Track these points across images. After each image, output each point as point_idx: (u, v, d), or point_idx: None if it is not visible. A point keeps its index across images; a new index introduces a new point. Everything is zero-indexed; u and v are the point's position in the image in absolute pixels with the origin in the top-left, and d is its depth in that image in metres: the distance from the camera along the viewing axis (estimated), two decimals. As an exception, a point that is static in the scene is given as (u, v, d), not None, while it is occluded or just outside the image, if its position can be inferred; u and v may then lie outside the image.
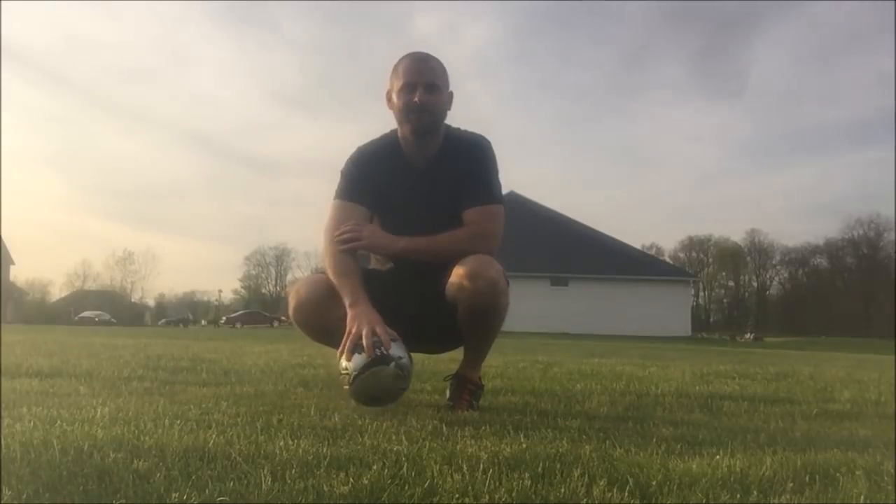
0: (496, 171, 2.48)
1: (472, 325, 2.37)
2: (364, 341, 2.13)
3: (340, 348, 2.19)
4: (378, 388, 2.14)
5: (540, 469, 1.45)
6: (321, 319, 2.39)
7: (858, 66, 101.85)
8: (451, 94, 2.48)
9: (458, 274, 2.29)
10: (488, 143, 2.49)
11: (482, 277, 2.26)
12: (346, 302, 2.25)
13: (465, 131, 2.51)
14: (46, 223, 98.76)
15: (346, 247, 2.33)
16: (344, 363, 2.17)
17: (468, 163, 2.43)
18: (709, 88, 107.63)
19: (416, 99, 2.36)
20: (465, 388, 2.47)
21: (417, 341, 2.63)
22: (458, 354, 2.55)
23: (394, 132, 2.49)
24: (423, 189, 2.43)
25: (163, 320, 61.64)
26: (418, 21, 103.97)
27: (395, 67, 2.44)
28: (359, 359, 2.14)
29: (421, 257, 2.37)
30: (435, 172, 2.44)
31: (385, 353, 2.13)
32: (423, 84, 2.37)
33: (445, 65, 2.46)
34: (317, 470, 1.39)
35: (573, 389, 3.36)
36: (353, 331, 2.17)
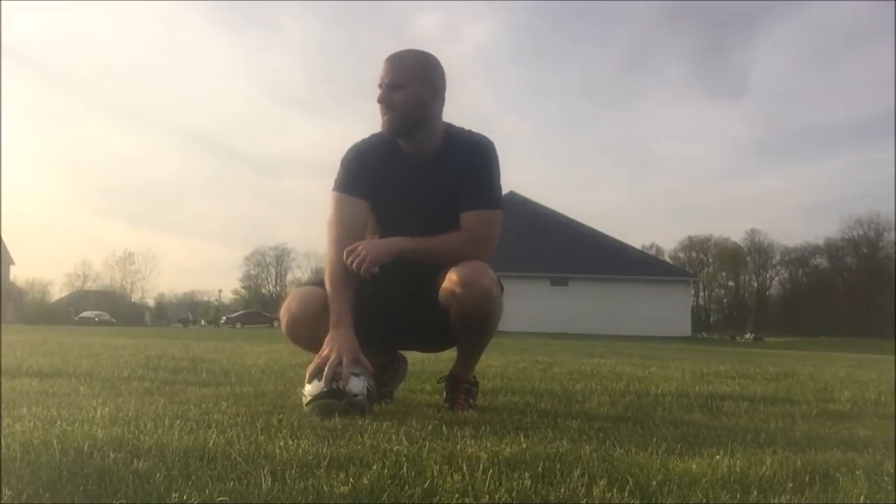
0: (498, 175, 2.45)
1: (464, 331, 2.36)
2: (325, 370, 2.12)
3: (309, 366, 2.20)
4: (330, 416, 2.09)
5: (540, 469, 1.45)
6: (314, 335, 2.34)
7: (858, 66, 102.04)
8: (434, 89, 2.38)
9: (451, 280, 2.27)
10: (492, 144, 2.45)
11: (475, 285, 2.25)
12: (331, 320, 2.24)
13: (469, 131, 2.47)
14: (46, 223, 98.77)
15: (363, 273, 2.22)
16: (306, 384, 2.18)
17: (469, 163, 2.40)
18: (709, 88, 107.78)
19: (377, 99, 2.34)
20: (460, 387, 2.48)
21: (410, 341, 2.63)
22: (455, 354, 2.54)
23: None
24: (421, 186, 2.40)
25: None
26: (419, 20, 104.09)
27: None
28: (316, 385, 2.14)
29: (417, 257, 2.33)
30: (434, 170, 2.40)
31: (341, 388, 2.11)
32: (385, 84, 2.34)
33: (443, 63, 2.41)
34: (317, 470, 1.39)
35: (573, 389, 3.36)
36: (324, 354, 2.17)
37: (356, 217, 2.38)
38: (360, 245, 2.28)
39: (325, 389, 2.12)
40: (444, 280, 2.30)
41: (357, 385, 2.14)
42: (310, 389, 2.16)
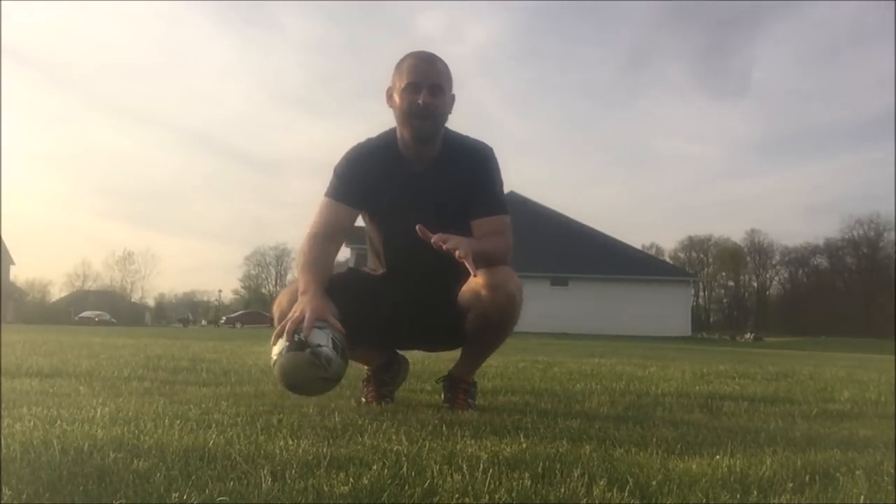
0: (501, 180, 2.43)
1: (482, 334, 2.36)
2: (287, 326, 2.04)
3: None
4: (294, 374, 2.04)
5: (540, 469, 1.45)
6: None
7: (859, 66, 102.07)
8: (453, 97, 2.38)
9: (477, 282, 2.24)
10: (492, 150, 2.43)
11: (503, 290, 2.24)
12: (299, 291, 2.16)
13: (466, 136, 2.45)
14: (46, 223, 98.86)
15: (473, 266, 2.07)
16: (272, 347, 2.11)
17: (473, 169, 2.37)
18: (710, 88, 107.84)
19: (419, 100, 2.27)
20: (460, 388, 2.47)
21: (414, 340, 2.62)
22: (457, 354, 2.54)
23: (393, 130, 2.40)
24: (422, 192, 2.37)
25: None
26: (421, 20, 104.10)
27: (399, 65, 2.35)
28: (280, 343, 2.07)
29: (480, 257, 2.19)
30: (435, 176, 2.37)
31: (302, 338, 2.02)
32: (427, 85, 2.28)
33: (449, 65, 2.39)
34: (317, 470, 1.39)
35: (573, 389, 3.36)
36: (288, 315, 2.10)
37: (339, 219, 2.35)
38: (451, 238, 2.11)
39: (287, 342, 2.04)
40: (467, 282, 2.28)
41: (320, 336, 2.04)
42: (276, 348, 2.08)
